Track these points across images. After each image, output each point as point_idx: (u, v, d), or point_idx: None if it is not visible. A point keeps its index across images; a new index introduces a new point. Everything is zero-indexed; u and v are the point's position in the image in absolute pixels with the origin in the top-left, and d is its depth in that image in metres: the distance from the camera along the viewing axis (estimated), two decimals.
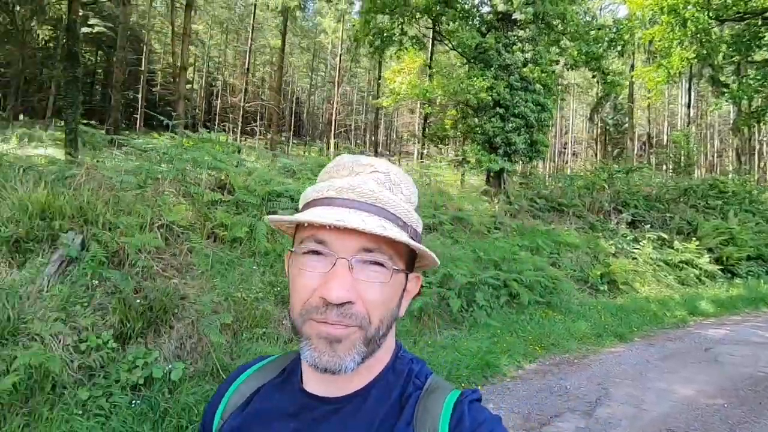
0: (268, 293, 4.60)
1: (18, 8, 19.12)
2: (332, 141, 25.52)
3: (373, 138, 30.13)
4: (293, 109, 39.91)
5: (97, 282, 3.52)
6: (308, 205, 0.61)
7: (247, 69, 20.86)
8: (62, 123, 24.09)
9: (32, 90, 27.20)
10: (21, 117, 24.96)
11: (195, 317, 3.81)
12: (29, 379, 2.77)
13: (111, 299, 3.44)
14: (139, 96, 28.06)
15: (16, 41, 18.60)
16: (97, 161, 5.95)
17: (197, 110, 32.07)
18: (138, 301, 3.49)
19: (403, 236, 0.57)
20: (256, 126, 28.78)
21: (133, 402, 2.93)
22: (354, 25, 20.18)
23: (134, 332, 3.35)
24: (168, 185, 5.17)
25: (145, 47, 29.79)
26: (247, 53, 20.58)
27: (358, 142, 40.96)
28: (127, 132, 21.19)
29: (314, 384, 0.62)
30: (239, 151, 8.61)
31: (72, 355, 3.00)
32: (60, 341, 3.03)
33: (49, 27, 18.42)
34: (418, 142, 18.46)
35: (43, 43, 20.23)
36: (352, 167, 0.64)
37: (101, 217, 4.07)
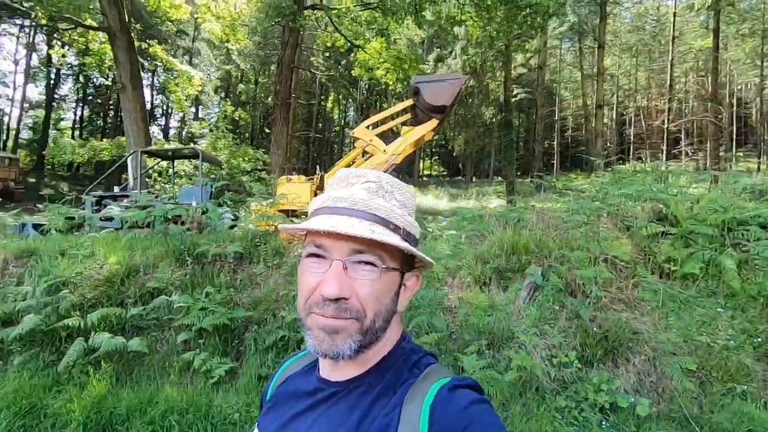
0: (743, 342, 3.76)
1: (470, 99, 26.31)
2: None
3: None
4: (734, 114, 31.57)
5: (558, 307, 4.12)
6: (312, 215, 0.71)
7: (670, 85, 18.64)
8: (499, 178, 29.89)
9: (478, 157, 35.94)
10: (473, 179, 33.41)
11: (651, 355, 3.68)
12: (519, 379, 3.58)
13: (571, 324, 3.93)
14: (555, 143, 31.01)
15: (471, 124, 25.42)
16: (534, 205, 7.09)
17: (608, 144, 31.60)
18: (594, 329, 3.78)
19: (391, 238, 0.65)
20: (683, 147, 24.80)
21: (603, 423, 3.14)
22: None
23: (594, 357, 3.64)
24: (605, 221, 5.40)
25: (557, 98, 32.93)
26: (668, 68, 18.46)
27: None
28: (548, 177, 23.88)
29: (326, 370, 0.74)
30: (667, 178, 7.76)
31: (547, 366, 3.63)
32: (537, 352, 3.75)
33: (491, 107, 24.20)
34: None
35: (487, 120, 26.74)
36: (348, 179, 0.73)
37: (553, 252, 4.78)
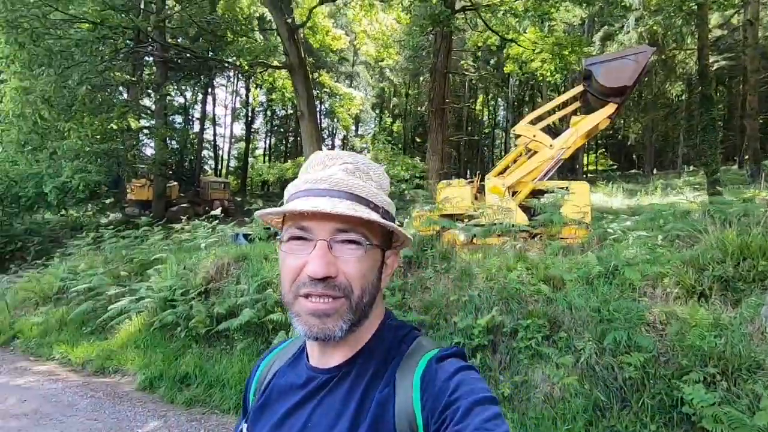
0: None
1: (647, 78, 22.38)
2: None
3: None
4: None
5: None
6: (290, 199, 0.71)
7: None
8: (692, 168, 24.70)
9: (660, 145, 30.39)
10: (654, 171, 28.31)
11: None
12: None
13: None
14: None
15: (651, 107, 21.69)
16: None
17: None
18: None
19: (372, 216, 0.65)
20: None
21: None
22: None
23: None
24: None
25: None
26: None
27: None
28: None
29: (315, 357, 0.73)
30: None
31: None
32: None
33: (678, 83, 20.12)
34: None
35: (672, 99, 22.35)
36: (324, 161, 0.73)
37: None
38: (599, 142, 36.48)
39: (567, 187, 6.72)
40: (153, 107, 20.68)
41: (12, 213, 13.66)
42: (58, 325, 6.56)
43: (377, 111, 36.16)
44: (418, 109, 34.23)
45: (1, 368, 5.42)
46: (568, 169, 28.46)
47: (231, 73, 30.21)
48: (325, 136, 39.17)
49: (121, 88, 18.73)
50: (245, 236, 8.53)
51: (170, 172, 22.35)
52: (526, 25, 14.45)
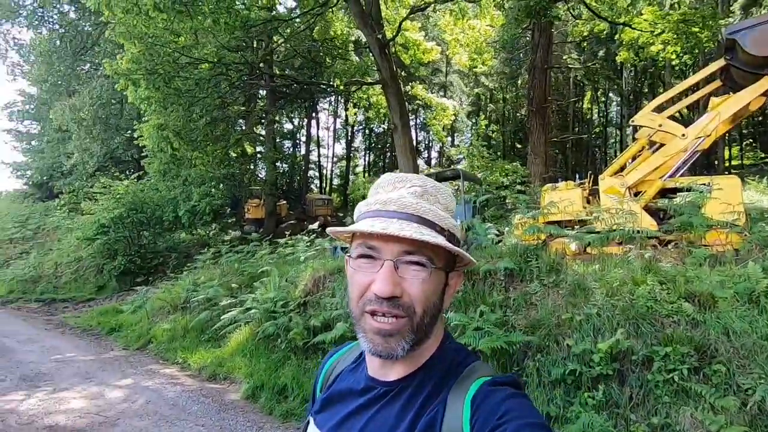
0: None
1: None
2: None
3: None
4: None
5: None
6: (360, 218, 0.74)
7: None
8: None
9: None
10: None
11: None
12: None
13: None
14: None
15: None
16: None
17: None
18: None
19: (438, 239, 0.67)
20: None
21: None
22: None
23: None
24: None
25: None
26: None
27: None
28: None
29: (375, 369, 0.76)
30: None
31: None
32: None
33: None
34: None
35: None
36: (394, 183, 0.76)
37: None
38: (744, 131, 30.74)
39: (709, 183, 5.53)
40: (264, 133, 22.80)
41: (156, 233, 16.00)
42: (183, 332, 7.29)
43: (473, 119, 35.24)
44: (517, 113, 32.50)
45: (137, 369, 6.15)
46: (703, 165, 24.29)
47: (332, 97, 32.14)
48: (422, 149, 39.34)
49: (240, 120, 21.03)
50: (343, 249, 8.68)
51: (280, 192, 24.33)
52: (642, 6, 12.72)
